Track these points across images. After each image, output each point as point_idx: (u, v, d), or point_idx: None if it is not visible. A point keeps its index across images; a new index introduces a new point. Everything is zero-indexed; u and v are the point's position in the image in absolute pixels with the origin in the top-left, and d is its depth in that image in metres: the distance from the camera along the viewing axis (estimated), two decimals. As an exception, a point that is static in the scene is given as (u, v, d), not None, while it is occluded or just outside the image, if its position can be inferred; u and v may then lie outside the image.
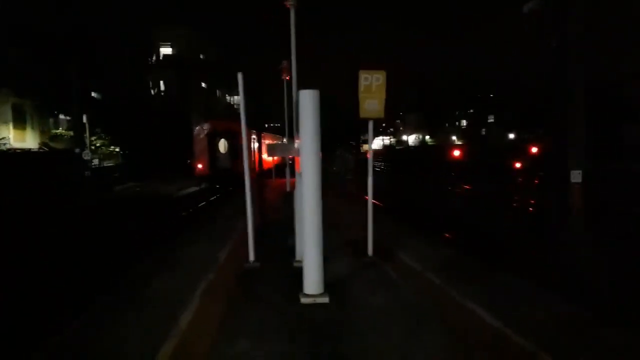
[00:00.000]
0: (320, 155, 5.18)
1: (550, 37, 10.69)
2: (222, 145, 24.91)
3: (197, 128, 24.87)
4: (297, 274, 5.32)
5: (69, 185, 18.19)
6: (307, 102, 5.01)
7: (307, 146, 5.04)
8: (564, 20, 10.24)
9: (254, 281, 5.94)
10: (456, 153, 33.26)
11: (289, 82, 16.58)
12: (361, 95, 6.40)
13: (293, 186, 14.87)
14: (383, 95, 6.41)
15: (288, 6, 7.71)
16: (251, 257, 6.66)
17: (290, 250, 6.81)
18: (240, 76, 6.51)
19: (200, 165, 24.37)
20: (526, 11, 11.93)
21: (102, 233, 11.46)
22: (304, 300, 5.03)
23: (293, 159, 15.30)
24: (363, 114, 6.45)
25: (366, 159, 7.07)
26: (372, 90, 6.39)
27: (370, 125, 6.67)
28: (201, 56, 42.84)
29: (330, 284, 5.37)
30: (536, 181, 21.60)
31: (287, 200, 10.76)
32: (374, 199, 6.92)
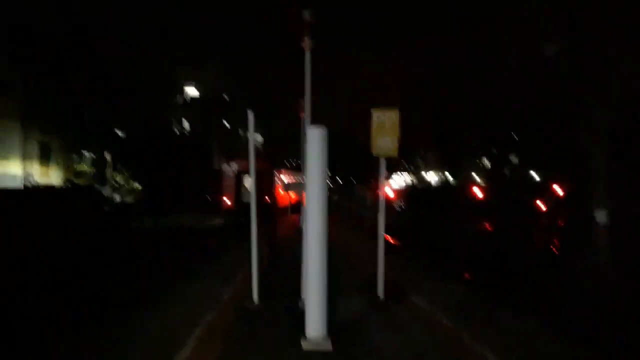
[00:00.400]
0: (328, 193, 5.03)
1: (571, 79, 10.56)
2: (248, 182, 26.07)
3: (224, 166, 27.77)
4: (302, 316, 5.08)
5: (87, 221, 18.32)
6: (315, 139, 4.90)
7: (313, 184, 4.90)
8: (583, 60, 10.11)
9: (255, 323, 5.70)
10: (478, 192, 32.67)
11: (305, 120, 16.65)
12: (374, 133, 6.29)
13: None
14: (396, 134, 6.27)
15: (304, 47, 7.74)
16: (255, 297, 6.43)
17: (298, 289, 6.58)
18: (250, 114, 6.51)
19: (227, 201, 26.87)
20: (548, 53, 11.85)
21: (109, 267, 11.37)
22: (305, 345, 4.76)
23: None
24: (376, 152, 6.31)
25: (385, 198, 6.90)
26: (385, 128, 6.26)
27: (382, 163, 6.52)
28: (224, 96, 43.73)
29: (335, 327, 5.09)
30: (560, 222, 20.97)
31: (300, 236, 10.59)
32: (393, 238, 6.73)
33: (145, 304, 6.87)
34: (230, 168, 26.61)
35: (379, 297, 6.54)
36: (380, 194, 6.71)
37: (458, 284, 8.57)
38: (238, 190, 26.89)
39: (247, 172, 28.66)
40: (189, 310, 6.35)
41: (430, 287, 7.86)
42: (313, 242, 4.82)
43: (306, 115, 8.03)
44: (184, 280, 8.60)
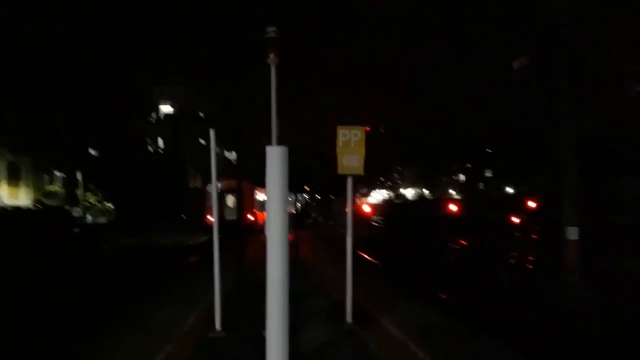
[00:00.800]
0: (289, 213, 4.77)
1: (538, 92, 10.56)
2: (230, 200, 29.26)
3: (208, 185, 28.76)
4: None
5: (55, 243, 17.67)
6: (274, 158, 4.63)
7: (273, 205, 4.61)
8: (550, 76, 10.13)
9: (214, 354, 5.37)
10: (453, 207, 32.82)
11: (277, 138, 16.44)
12: (339, 151, 6.08)
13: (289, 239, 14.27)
14: (362, 151, 6.07)
15: (270, 62, 7.56)
16: (217, 325, 6.08)
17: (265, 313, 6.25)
18: (212, 132, 6.30)
19: (210, 218, 27.57)
20: (516, 67, 11.87)
21: (72, 292, 10.82)
22: (265, 379, 4.44)
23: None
24: (341, 170, 6.11)
25: (362, 214, 6.69)
26: (350, 146, 6.06)
27: (349, 182, 6.31)
28: (200, 113, 43.31)
29: (299, 356, 4.80)
30: (533, 236, 21.04)
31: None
32: (368, 254, 6.50)
33: (101, 332, 6.45)
34: (213, 187, 26.68)
35: (347, 322, 6.26)
36: (348, 211, 6.48)
37: (431, 305, 8.35)
38: (221, 209, 27.88)
39: (229, 191, 29.89)
40: (148, 340, 5.97)
41: (402, 309, 7.61)
42: (274, 268, 4.54)
43: (273, 130, 7.80)
44: (149, 304, 8.20)
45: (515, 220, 25.77)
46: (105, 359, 5.42)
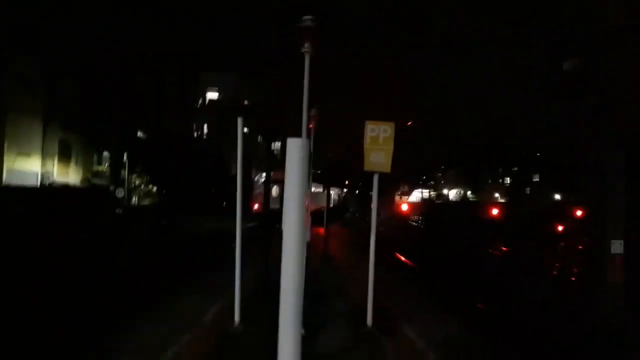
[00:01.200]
0: (320, 208, 4.57)
1: (589, 96, 9.90)
2: (275, 190, 32.34)
3: (257, 176, 31.80)
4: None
5: (98, 223, 18.17)
6: (294, 151, 4.42)
7: (290, 200, 4.41)
8: (604, 80, 9.45)
9: (230, 349, 5.25)
10: (494, 211, 31.84)
11: (315, 131, 16.26)
12: (367, 147, 5.84)
13: (316, 235, 14.12)
14: (391, 148, 5.81)
15: (304, 53, 7.35)
16: (236, 318, 5.96)
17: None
18: (240, 121, 6.14)
19: (256, 206, 31.42)
20: (566, 68, 11.21)
21: (103, 275, 10.98)
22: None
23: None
24: (368, 166, 5.85)
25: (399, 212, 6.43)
26: (379, 143, 5.80)
27: (376, 179, 6.05)
28: (245, 102, 43.64)
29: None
30: (580, 247, 20.07)
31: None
32: (404, 256, 6.23)
33: (125, 320, 6.46)
34: (238, 176, 27.24)
35: (367, 326, 6.02)
36: (373, 209, 6.23)
37: (460, 315, 7.97)
38: (266, 198, 30.61)
39: (276, 182, 33.08)
40: (169, 330, 5.92)
41: (429, 317, 7.31)
42: (288, 268, 4.32)
43: (303, 122, 7.59)
44: (176, 293, 8.19)
45: (560, 228, 24.73)
46: (124, 347, 5.40)
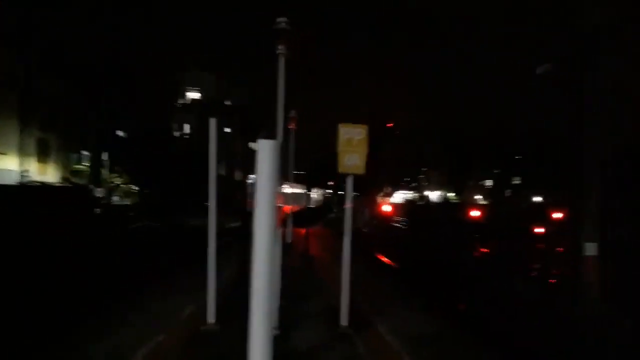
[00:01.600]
0: (277, 214, 4.61)
1: (566, 102, 10.10)
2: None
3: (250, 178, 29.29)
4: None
5: (76, 222, 17.94)
6: (265, 153, 4.45)
7: (262, 202, 4.44)
8: (581, 86, 9.63)
9: (203, 348, 5.26)
10: (475, 213, 32.09)
11: (295, 132, 16.30)
12: (341, 150, 5.91)
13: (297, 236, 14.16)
14: (364, 150, 5.90)
15: (279, 54, 7.39)
16: (210, 318, 5.98)
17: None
18: (212, 122, 6.17)
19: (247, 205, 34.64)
20: (539, 72, 11.37)
21: (81, 274, 10.90)
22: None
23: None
24: (342, 168, 5.93)
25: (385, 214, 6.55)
26: (352, 145, 5.89)
27: (349, 181, 6.12)
28: (227, 102, 43.55)
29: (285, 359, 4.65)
30: (559, 249, 20.40)
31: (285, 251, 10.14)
32: (384, 256, 6.31)
33: (99, 321, 6.44)
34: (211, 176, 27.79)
35: (341, 325, 6.07)
36: (347, 209, 6.29)
37: (436, 314, 8.07)
38: (249, 200, 33.06)
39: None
40: (143, 328, 5.92)
41: (404, 315, 7.40)
42: (259, 269, 4.36)
43: (278, 122, 7.64)
44: (153, 294, 8.16)
45: (539, 230, 25.05)
46: (97, 344, 5.39)
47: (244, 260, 5.90)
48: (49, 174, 28.24)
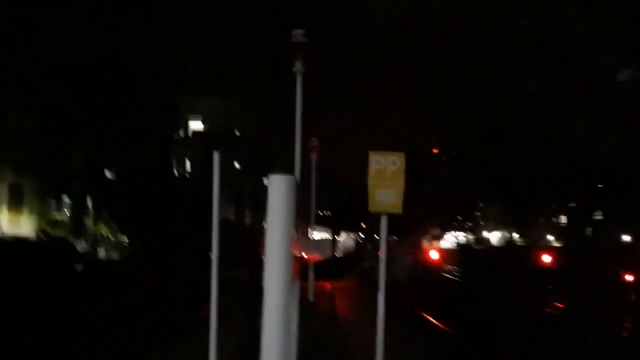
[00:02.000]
0: (294, 259, 4.56)
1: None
2: None
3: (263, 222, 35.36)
4: None
5: (53, 284, 18.15)
6: (277, 190, 4.45)
7: (274, 251, 4.41)
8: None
9: None
10: (547, 258, 31.48)
11: (318, 164, 16.38)
12: (371, 183, 5.83)
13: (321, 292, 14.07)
14: (401, 184, 5.81)
15: (295, 71, 7.48)
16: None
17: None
18: (216, 155, 6.21)
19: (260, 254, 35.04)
20: (621, 80, 11.26)
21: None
22: None
23: None
24: (373, 207, 5.85)
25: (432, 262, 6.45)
26: (385, 177, 5.81)
27: (383, 222, 6.02)
28: (236, 132, 44.12)
29: None
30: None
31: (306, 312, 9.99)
32: (432, 317, 6.18)
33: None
34: (215, 219, 27.77)
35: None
36: (382, 257, 6.19)
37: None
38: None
39: None
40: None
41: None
42: (270, 330, 4.29)
43: (297, 154, 7.69)
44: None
45: (630, 278, 24.41)
46: None
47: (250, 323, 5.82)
48: (22, 225, 28.76)
